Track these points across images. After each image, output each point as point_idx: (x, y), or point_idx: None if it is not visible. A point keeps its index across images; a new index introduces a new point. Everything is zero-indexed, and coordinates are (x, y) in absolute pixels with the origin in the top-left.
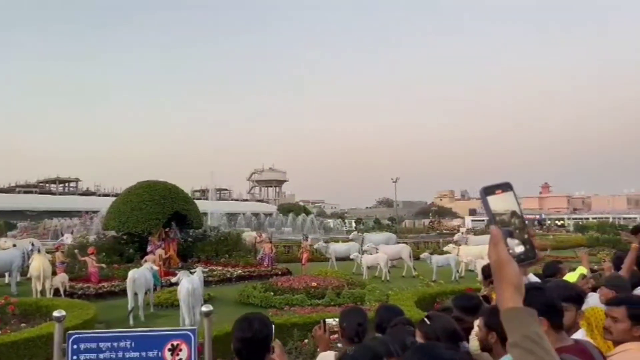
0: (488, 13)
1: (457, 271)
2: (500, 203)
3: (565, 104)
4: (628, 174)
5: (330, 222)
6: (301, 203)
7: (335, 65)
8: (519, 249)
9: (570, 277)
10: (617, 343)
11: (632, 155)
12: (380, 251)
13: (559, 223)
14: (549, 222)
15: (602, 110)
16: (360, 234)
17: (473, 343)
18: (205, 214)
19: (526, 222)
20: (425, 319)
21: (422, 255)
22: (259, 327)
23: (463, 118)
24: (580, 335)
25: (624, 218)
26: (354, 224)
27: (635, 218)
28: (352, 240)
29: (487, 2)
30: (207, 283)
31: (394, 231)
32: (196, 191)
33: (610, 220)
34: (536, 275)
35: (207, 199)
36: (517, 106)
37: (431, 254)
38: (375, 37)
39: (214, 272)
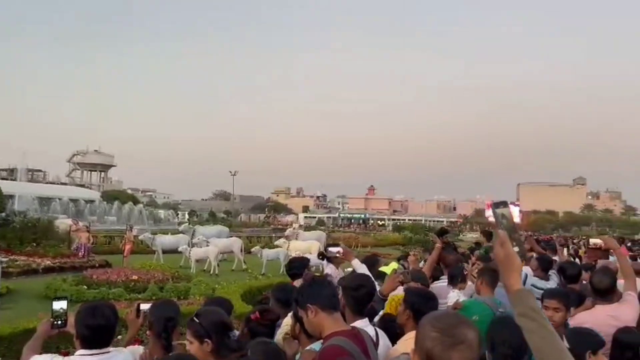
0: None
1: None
2: (503, 214)
3: (391, 122)
4: (439, 183)
5: (161, 213)
6: (129, 191)
7: (174, 52)
8: (515, 249)
9: (385, 269)
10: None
11: (442, 167)
12: (211, 244)
13: (380, 223)
14: (372, 221)
15: (420, 130)
16: (191, 226)
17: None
18: (12, 196)
19: (517, 229)
20: (195, 317)
21: (253, 249)
22: (108, 314)
23: (300, 120)
24: None
25: (434, 221)
26: (187, 216)
27: (443, 221)
28: (182, 232)
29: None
30: (6, 275)
31: (229, 225)
32: (2, 170)
33: (423, 222)
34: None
35: (15, 179)
36: (353, 115)
37: (262, 248)
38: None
39: (16, 263)
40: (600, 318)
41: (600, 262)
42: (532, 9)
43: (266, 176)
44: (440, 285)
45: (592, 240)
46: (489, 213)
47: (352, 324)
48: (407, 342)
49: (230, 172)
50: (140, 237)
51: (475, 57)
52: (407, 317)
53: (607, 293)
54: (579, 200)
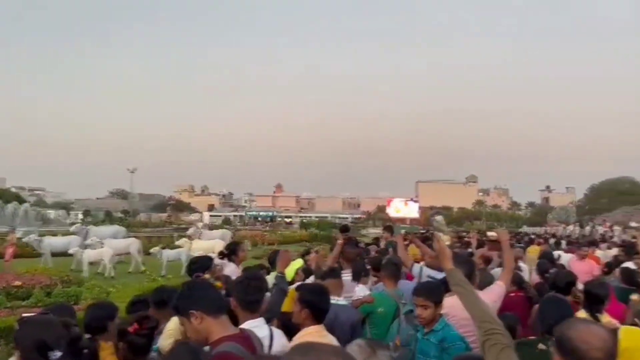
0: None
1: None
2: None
3: (294, 119)
4: (344, 181)
5: (51, 213)
6: (13, 189)
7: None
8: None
9: (293, 264)
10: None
11: (347, 165)
12: (106, 245)
13: (287, 220)
14: (279, 219)
15: (326, 129)
16: (84, 226)
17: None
18: None
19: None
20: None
21: (152, 250)
22: None
23: (201, 118)
24: None
25: (340, 217)
26: (81, 216)
27: (348, 217)
28: (73, 233)
29: None
30: None
31: (126, 225)
32: None
33: (329, 219)
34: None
35: None
36: (259, 112)
37: (163, 248)
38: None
39: None
40: (457, 303)
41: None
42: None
43: (168, 174)
44: (344, 279)
45: (489, 234)
46: (390, 210)
47: (242, 325)
48: (303, 338)
49: (129, 169)
50: (24, 240)
51: (380, 52)
52: (305, 317)
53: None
54: (471, 197)
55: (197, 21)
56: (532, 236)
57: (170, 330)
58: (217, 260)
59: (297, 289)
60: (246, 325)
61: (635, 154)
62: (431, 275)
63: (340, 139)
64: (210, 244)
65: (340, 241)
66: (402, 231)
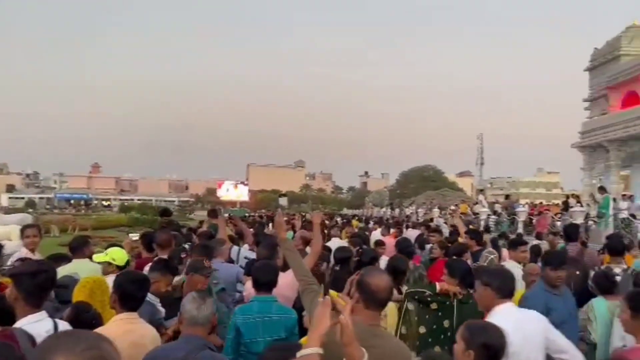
0: None
1: None
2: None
3: (123, 95)
4: (171, 161)
5: None
6: None
7: None
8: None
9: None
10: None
11: (174, 146)
12: None
13: (105, 203)
14: (95, 202)
15: (150, 103)
16: None
17: None
18: None
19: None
20: None
21: None
22: None
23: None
24: None
25: (165, 200)
26: None
27: (174, 201)
28: None
29: None
30: None
31: None
32: None
33: (153, 202)
34: None
35: None
36: (85, 89)
37: None
38: None
39: None
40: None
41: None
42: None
43: None
44: None
45: (307, 216)
46: (220, 192)
47: (21, 320)
48: (110, 325)
49: None
50: None
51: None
52: (114, 302)
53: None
54: (299, 181)
55: None
56: (350, 218)
57: None
58: (14, 247)
59: (118, 276)
60: (25, 320)
61: (436, 145)
62: (247, 256)
63: (166, 120)
64: (6, 229)
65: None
66: (226, 214)
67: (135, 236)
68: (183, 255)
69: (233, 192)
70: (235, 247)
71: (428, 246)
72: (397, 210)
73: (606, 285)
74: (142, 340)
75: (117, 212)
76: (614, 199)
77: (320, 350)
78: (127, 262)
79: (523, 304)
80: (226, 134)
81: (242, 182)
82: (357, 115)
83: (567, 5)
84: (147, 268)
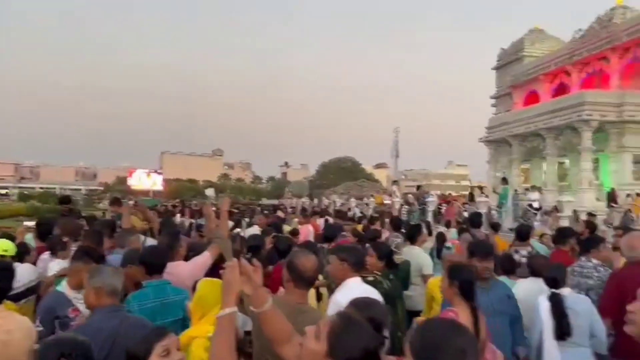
0: None
1: None
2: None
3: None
4: (78, 147)
5: None
6: None
7: None
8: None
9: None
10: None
11: (80, 131)
12: None
13: (3, 192)
14: None
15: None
16: None
17: None
18: None
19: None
20: None
21: None
22: None
23: None
24: None
25: (71, 189)
26: None
27: (81, 189)
28: None
29: None
30: None
31: None
32: None
33: (57, 190)
34: None
35: None
36: None
37: None
38: None
39: None
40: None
41: None
42: None
43: None
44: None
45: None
46: (132, 181)
47: None
48: None
49: None
50: None
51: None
52: None
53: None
54: (217, 170)
55: None
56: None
57: None
58: None
59: None
60: None
61: (355, 138)
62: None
63: (74, 105)
64: None
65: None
66: (131, 202)
67: (29, 224)
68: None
69: (146, 181)
70: (142, 237)
71: (342, 234)
72: (316, 200)
73: (509, 266)
74: (6, 337)
75: (16, 201)
76: (515, 190)
77: (236, 309)
78: (21, 252)
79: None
80: (139, 120)
81: (156, 171)
82: (277, 106)
83: (480, 6)
84: (43, 256)
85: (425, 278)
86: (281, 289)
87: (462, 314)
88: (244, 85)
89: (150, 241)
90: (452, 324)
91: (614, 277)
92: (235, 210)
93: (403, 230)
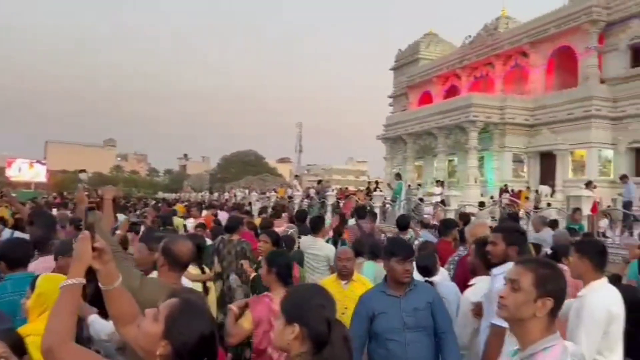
0: None
1: None
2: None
3: None
4: None
5: None
6: None
7: None
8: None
9: None
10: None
11: None
12: None
13: None
14: None
15: None
16: None
17: None
18: None
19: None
20: None
21: None
22: None
23: None
24: None
25: None
26: None
27: None
28: None
29: None
30: None
31: None
32: None
33: None
34: None
35: None
36: None
37: None
38: None
39: None
40: None
41: None
42: None
43: None
44: None
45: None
46: (11, 171)
47: None
48: None
49: None
50: None
51: None
52: None
53: None
54: (109, 161)
55: None
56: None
57: None
58: None
59: None
60: None
61: (259, 132)
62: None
63: None
64: None
65: None
66: (14, 194)
67: None
68: None
69: (27, 172)
70: (8, 230)
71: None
72: (216, 194)
73: (376, 250)
74: None
75: None
76: (409, 185)
77: (83, 280)
78: None
79: (358, 306)
80: (22, 106)
81: (40, 161)
82: (177, 96)
83: (379, 8)
84: None
85: (332, 269)
86: None
87: (277, 299)
88: (142, 73)
89: (18, 233)
90: (313, 287)
91: (460, 262)
92: (123, 201)
93: (307, 224)
